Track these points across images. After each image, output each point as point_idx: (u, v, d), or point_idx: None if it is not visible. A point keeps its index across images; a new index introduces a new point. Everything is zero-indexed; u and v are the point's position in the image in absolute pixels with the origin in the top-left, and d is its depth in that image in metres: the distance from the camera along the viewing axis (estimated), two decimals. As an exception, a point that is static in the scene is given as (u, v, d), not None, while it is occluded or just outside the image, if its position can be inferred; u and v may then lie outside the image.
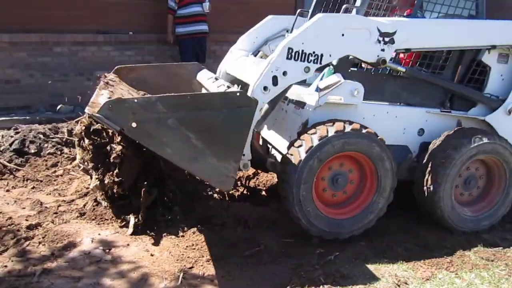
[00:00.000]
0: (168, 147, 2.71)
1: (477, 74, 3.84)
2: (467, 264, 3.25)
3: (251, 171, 4.71)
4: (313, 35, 3.19)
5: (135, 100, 2.64)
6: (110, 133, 3.56)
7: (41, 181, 4.60)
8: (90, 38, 7.19)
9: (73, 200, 4.09)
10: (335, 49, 3.26)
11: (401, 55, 3.82)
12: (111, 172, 3.51)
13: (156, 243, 3.39)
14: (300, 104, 3.64)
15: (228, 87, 3.38)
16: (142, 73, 4.16)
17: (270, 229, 3.68)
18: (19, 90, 6.83)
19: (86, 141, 3.64)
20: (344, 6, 3.57)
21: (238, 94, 2.83)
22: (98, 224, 3.66)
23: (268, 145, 4.06)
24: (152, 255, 3.23)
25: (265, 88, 3.12)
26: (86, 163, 3.79)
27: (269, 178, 4.63)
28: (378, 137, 3.35)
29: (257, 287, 2.90)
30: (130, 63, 7.53)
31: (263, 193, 4.39)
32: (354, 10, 3.62)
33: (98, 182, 3.60)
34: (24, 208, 3.97)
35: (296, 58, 3.15)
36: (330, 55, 3.25)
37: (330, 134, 3.19)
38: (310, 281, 2.93)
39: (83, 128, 3.65)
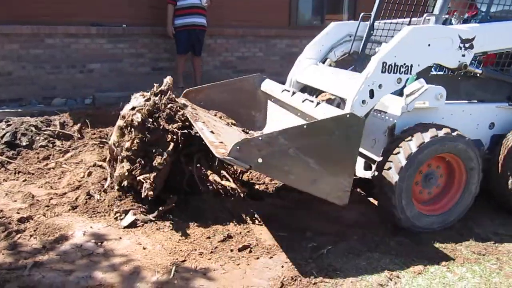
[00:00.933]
0: (290, 174, 2.94)
1: None
2: (459, 258, 3.26)
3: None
4: (404, 48, 3.40)
5: (260, 138, 2.84)
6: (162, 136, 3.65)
7: (33, 174, 4.57)
8: (83, 30, 7.13)
9: (65, 193, 4.07)
10: (423, 59, 3.50)
11: None
12: (149, 175, 3.55)
13: (149, 236, 3.37)
14: (383, 110, 3.82)
15: (318, 103, 3.54)
16: (208, 92, 4.38)
17: (263, 223, 3.68)
18: (11, 82, 6.77)
19: (135, 132, 3.64)
20: (425, 15, 3.79)
21: (348, 116, 2.98)
22: (90, 217, 3.64)
23: None
24: (144, 248, 3.21)
25: (363, 101, 3.33)
26: (120, 149, 3.76)
27: (262, 172, 4.62)
28: (478, 149, 3.63)
29: (250, 281, 2.90)
30: (123, 56, 7.53)
31: (257, 187, 4.38)
32: (433, 18, 3.82)
33: (127, 173, 3.59)
34: (15, 201, 3.95)
35: (389, 71, 3.37)
36: (418, 65, 3.47)
37: (426, 140, 3.38)
38: (303, 274, 2.93)
39: (139, 119, 3.65)
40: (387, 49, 3.41)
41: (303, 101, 3.74)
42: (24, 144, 5.19)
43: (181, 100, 4.16)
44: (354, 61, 4.60)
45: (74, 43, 7.11)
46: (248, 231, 3.50)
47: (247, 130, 4.15)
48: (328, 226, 3.67)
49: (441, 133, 3.45)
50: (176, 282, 2.85)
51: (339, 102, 4.19)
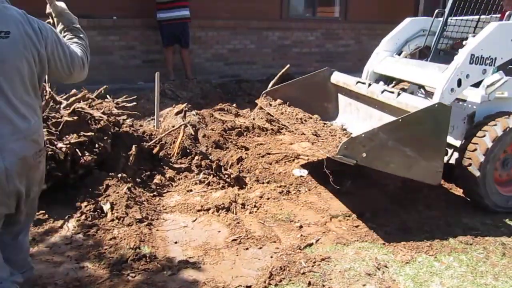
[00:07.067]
0: (390, 163, 3.32)
1: None
2: (446, 247, 3.30)
3: (234, 157, 4.72)
4: (490, 42, 3.74)
5: (363, 135, 3.17)
6: None
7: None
8: (73, 22, 7.05)
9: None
10: (506, 52, 3.83)
11: None
12: None
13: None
14: (462, 99, 4.07)
15: (399, 93, 3.85)
16: (285, 91, 4.76)
17: (252, 214, 3.70)
18: None
19: None
20: (507, 13, 4.23)
21: (437, 105, 3.33)
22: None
23: None
24: (134, 240, 3.22)
25: (451, 90, 3.68)
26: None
27: (252, 164, 4.64)
28: None
29: (239, 271, 2.92)
30: (114, 48, 7.49)
31: (247, 179, 4.39)
32: None
33: None
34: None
35: (476, 62, 3.71)
36: (501, 58, 3.80)
37: (510, 125, 3.67)
38: (291, 264, 2.96)
39: None
40: (475, 42, 3.72)
41: (382, 92, 4.05)
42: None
43: (261, 101, 4.64)
44: (425, 55, 4.95)
45: (64, 35, 7.04)
46: (238, 222, 3.52)
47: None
48: (316, 217, 3.70)
49: None
50: (165, 272, 2.86)
51: (412, 91, 4.70)
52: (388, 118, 3.93)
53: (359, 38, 9.84)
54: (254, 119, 6.16)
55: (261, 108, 6.15)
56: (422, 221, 3.68)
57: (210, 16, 8.10)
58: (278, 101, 4.63)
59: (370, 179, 4.28)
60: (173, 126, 4.90)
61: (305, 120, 4.21)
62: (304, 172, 4.51)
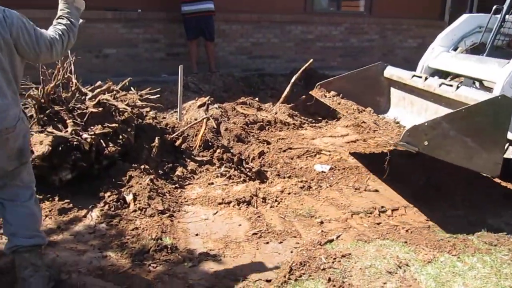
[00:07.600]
0: (451, 153, 3.36)
1: None
2: (470, 248, 3.24)
3: (256, 151, 4.72)
4: None
5: (425, 124, 3.25)
6: None
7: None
8: (99, 15, 7.15)
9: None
10: None
11: None
12: None
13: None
14: None
15: (458, 86, 3.89)
16: (338, 83, 4.85)
17: (273, 208, 3.70)
18: (26, 66, 6.82)
19: None
20: None
21: (500, 98, 3.38)
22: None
23: None
24: (156, 231, 3.26)
25: None
26: None
27: (274, 159, 4.63)
28: None
29: (259, 265, 2.93)
30: (138, 41, 7.55)
31: (268, 173, 4.40)
32: None
33: None
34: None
35: None
36: None
37: None
38: (312, 260, 2.95)
39: None
40: None
41: (439, 85, 4.09)
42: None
43: (316, 93, 4.71)
44: (480, 51, 4.93)
45: (89, 28, 7.12)
46: (259, 216, 3.53)
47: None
48: (337, 213, 3.67)
49: None
50: (186, 264, 2.89)
51: (466, 86, 4.49)
52: (445, 111, 3.91)
53: (384, 33, 9.70)
54: (276, 113, 6.15)
55: (282, 102, 6.15)
56: (446, 220, 3.62)
57: (234, 10, 8.09)
58: (332, 93, 4.69)
59: (392, 175, 4.23)
60: (196, 119, 4.93)
61: (361, 112, 4.27)
62: (326, 168, 4.49)
